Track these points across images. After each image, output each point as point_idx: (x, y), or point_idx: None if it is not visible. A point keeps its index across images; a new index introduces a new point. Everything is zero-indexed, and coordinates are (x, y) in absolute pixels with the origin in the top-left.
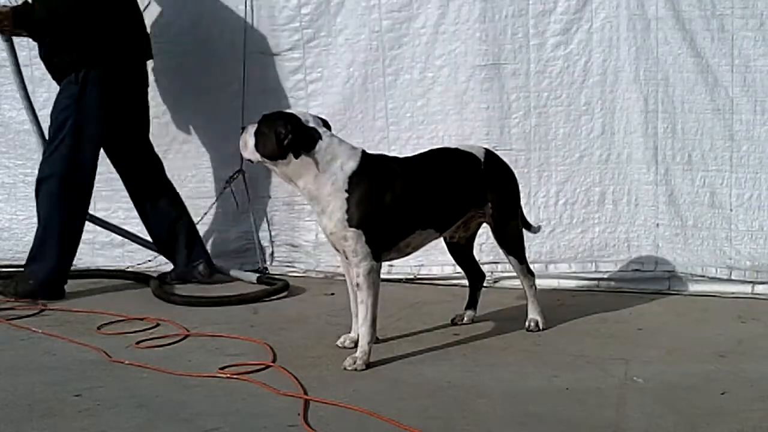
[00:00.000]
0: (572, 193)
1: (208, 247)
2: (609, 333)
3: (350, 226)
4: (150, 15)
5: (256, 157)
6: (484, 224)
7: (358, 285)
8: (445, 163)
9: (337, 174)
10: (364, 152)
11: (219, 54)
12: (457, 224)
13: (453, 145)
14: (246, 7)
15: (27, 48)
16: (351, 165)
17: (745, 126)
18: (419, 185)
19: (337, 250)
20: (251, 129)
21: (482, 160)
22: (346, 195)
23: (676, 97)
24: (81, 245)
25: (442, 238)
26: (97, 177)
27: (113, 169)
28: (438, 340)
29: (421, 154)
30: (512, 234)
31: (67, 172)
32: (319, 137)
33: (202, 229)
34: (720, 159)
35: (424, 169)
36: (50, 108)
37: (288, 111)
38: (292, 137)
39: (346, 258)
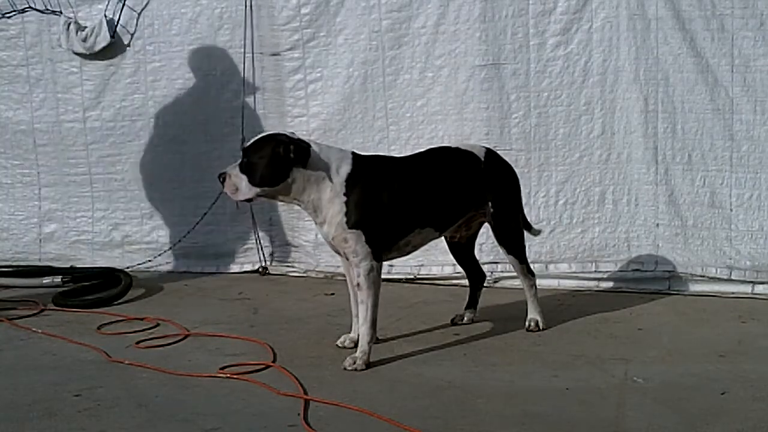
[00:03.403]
0: (572, 193)
1: (209, 247)
2: (609, 333)
3: (349, 227)
4: (150, 15)
5: (253, 192)
6: (485, 224)
7: (358, 285)
8: (444, 162)
9: (334, 178)
10: (354, 154)
11: (218, 54)
12: (458, 223)
13: (453, 145)
14: (246, 7)
15: (24, 48)
16: (345, 168)
17: (745, 126)
18: (416, 184)
19: (337, 252)
20: (234, 170)
21: (482, 159)
22: (345, 198)
23: (676, 97)
24: (80, 245)
25: (443, 238)
26: (95, 177)
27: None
28: (438, 340)
29: (420, 152)
30: (512, 234)
31: None
32: (308, 146)
33: (202, 229)
34: (720, 159)
35: (422, 168)
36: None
37: (265, 134)
38: (294, 148)
39: (347, 259)
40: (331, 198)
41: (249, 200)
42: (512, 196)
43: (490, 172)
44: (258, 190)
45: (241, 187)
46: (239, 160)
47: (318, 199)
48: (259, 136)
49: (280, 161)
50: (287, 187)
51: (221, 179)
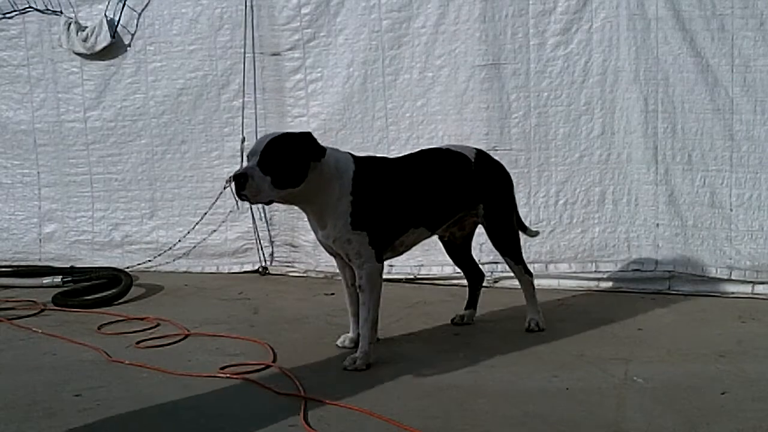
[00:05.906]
0: (572, 193)
1: (209, 247)
2: (609, 333)
3: (354, 228)
4: (150, 15)
5: (275, 194)
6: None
7: (360, 287)
8: (435, 163)
9: (343, 177)
10: (352, 154)
11: (219, 54)
12: (448, 223)
13: (445, 146)
14: (246, 7)
15: (24, 48)
16: (351, 167)
17: (745, 126)
18: (410, 184)
19: (334, 255)
20: (256, 171)
21: (473, 160)
22: (351, 198)
23: (676, 97)
24: (80, 245)
25: (438, 239)
26: (96, 177)
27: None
28: (438, 340)
29: (411, 154)
30: (506, 235)
31: None
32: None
33: (202, 229)
34: (720, 159)
35: (415, 169)
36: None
37: (278, 134)
38: (313, 143)
39: (348, 261)
40: (339, 197)
41: (269, 203)
42: (504, 197)
43: (481, 173)
44: (283, 192)
45: (264, 189)
46: (251, 161)
47: (326, 201)
48: (272, 135)
49: (301, 160)
50: (306, 187)
51: (238, 181)
